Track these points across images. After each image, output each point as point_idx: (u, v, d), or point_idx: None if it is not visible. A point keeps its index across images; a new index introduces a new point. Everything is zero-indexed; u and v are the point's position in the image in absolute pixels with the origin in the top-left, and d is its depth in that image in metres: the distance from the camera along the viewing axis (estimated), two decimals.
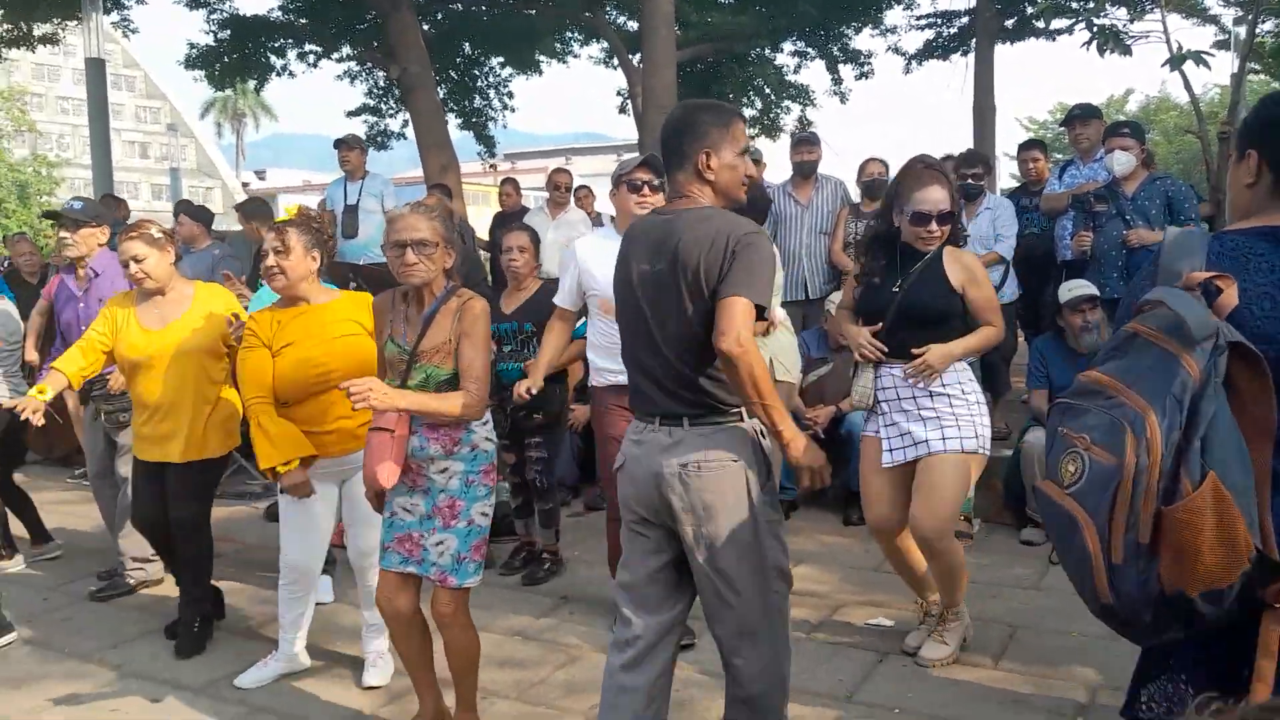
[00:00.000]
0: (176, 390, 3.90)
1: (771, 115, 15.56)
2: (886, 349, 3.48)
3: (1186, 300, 1.61)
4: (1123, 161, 5.28)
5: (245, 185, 50.90)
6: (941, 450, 3.38)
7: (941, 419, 3.40)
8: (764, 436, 2.55)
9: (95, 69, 13.56)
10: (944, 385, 3.41)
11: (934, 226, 3.41)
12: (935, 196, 3.40)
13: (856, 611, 4.16)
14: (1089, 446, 1.61)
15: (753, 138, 15.41)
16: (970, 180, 5.84)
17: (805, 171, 6.45)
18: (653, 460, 2.52)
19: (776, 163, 7.68)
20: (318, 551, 3.65)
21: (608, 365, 3.79)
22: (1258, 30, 9.18)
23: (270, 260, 3.42)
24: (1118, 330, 1.75)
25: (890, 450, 3.48)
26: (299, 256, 3.44)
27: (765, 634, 2.54)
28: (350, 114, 15.09)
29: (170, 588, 4.31)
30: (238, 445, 4.16)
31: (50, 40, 14.34)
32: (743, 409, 2.50)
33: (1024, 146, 6.95)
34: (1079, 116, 6.15)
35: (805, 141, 6.62)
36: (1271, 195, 1.75)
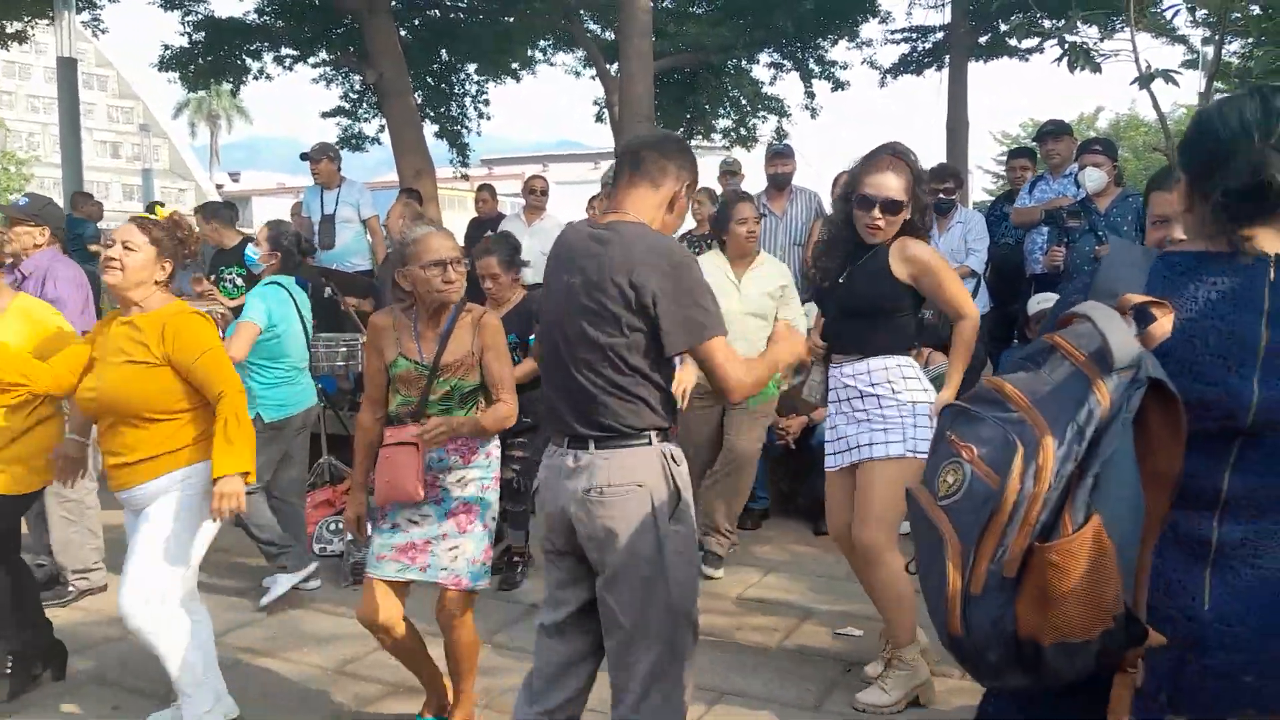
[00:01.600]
0: None
1: (747, 126, 15.64)
2: (827, 344, 3.44)
3: (1114, 321, 1.43)
4: (1095, 178, 5.36)
5: (219, 187, 50.48)
6: (869, 457, 3.26)
7: (871, 421, 3.26)
8: (675, 462, 2.40)
9: (66, 68, 13.42)
10: (873, 385, 3.27)
11: (877, 214, 3.21)
12: (885, 183, 3.20)
13: (826, 621, 4.17)
14: (974, 459, 1.45)
15: (727, 149, 15.51)
16: (942, 195, 5.89)
17: (780, 183, 6.49)
18: (559, 485, 2.41)
19: (751, 174, 7.74)
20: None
21: None
22: (1225, 50, 9.33)
23: (113, 252, 3.03)
24: (1037, 338, 1.58)
25: (832, 454, 3.41)
26: (146, 259, 3.03)
27: (663, 686, 2.35)
28: (325, 115, 15.03)
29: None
30: (37, 487, 3.60)
31: (20, 38, 14.18)
32: (651, 432, 2.36)
33: (1013, 154, 7.23)
34: (1051, 133, 6.25)
35: (780, 154, 6.67)
36: (1205, 223, 1.55)
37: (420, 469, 2.97)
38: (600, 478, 2.34)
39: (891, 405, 3.25)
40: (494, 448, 3.19)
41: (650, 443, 2.36)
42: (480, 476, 3.12)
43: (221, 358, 3.13)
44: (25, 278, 4.44)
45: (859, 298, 3.30)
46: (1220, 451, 1.48)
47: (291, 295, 4.74)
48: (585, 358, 2.35)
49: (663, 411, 2.38)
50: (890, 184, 3.21)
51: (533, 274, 7.76)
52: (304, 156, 7.58)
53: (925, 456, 3.29)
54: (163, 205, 3.27)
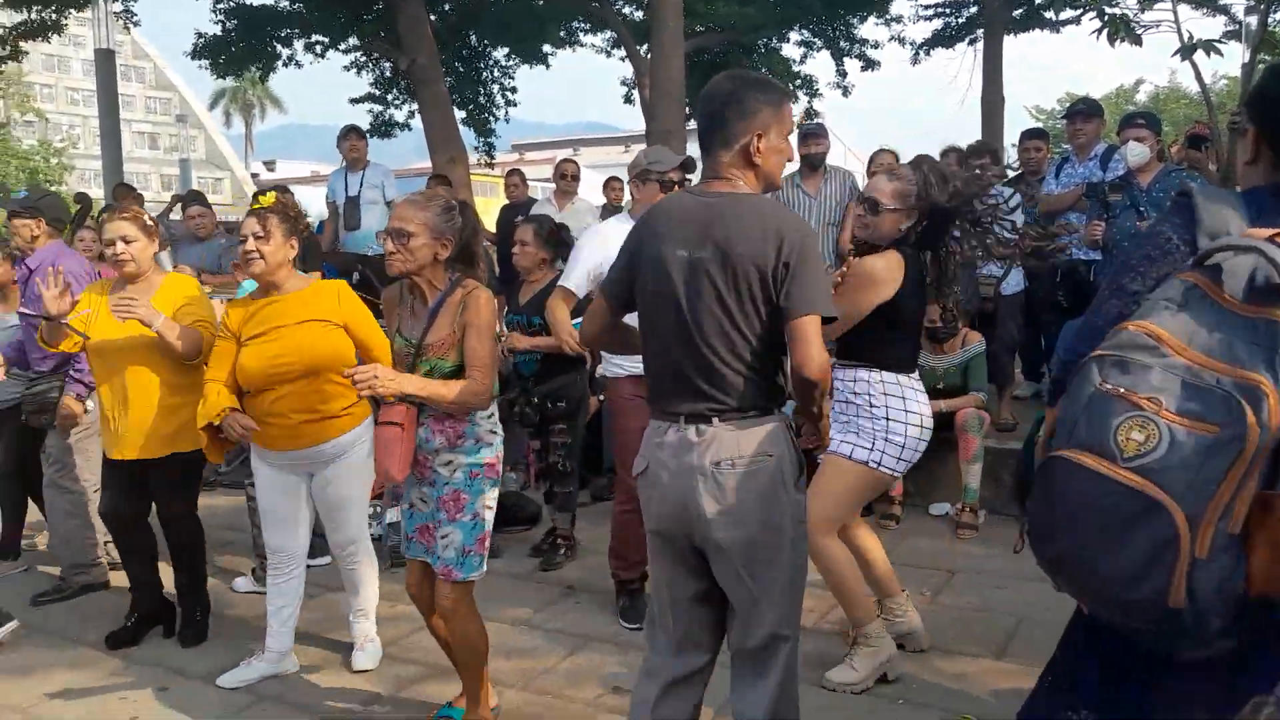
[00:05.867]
0: (135, 384, 3.73)
1: None
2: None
3: None
4: (1138, 153, 5.25)
5: (255, 176, 50.92)
6: (833, 451, 3.28)
7: (848, 423, 3.32)
8: (792, 429, 2.40)
9: (104, 60, 13.63)
10: (855, 395, 3.32)
11: (860, 210, 3.39)
12: (877, 184, 3.36)
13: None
14: (1161, 411, 1.34)
15: None
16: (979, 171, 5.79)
17: (814, 163, 6.41)
18: (681, 460, 2.32)
19: None
20: (300, 538, 3.65)
21: (626, 357, 3.76)
22: (1269, 20, 9.12)
23: (250, 245, 3.40)
24: (1168, 277, 1.50)
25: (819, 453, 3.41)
26: (278, 243, 3.42)
27: (787, 654, 2.39)
28: (354, 101, 15.08)
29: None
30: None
31: (55, 28, 14.34)
32: (775, 406, 2.34)
33: (1026, 135, 6.82)
34: (1082, 112, 6.10)
35: (813, 134, 6.58)
36: (1272, 174, 1.57)
37: (404, 450, 2.89)
38: (730, 450, 2.28)
39: (867, 416, 3.28)
40: (485, 433, 3.01)
41: (774, 414, 2.34)
42: (468, 462, 2.97)
43: (376, 326, 3.56)
44: (31, 271, 4.42)
45: None
46: None
47: None
48: (715, 332, 2.28)
49: (781, 385, 2.36)
50: (880, 185, 3.31)
51: (562, 260, 7.78)
52: (348, 130, 7.82)
53: (889, 472, 3.26)
54: (264, 194, 3.62)
